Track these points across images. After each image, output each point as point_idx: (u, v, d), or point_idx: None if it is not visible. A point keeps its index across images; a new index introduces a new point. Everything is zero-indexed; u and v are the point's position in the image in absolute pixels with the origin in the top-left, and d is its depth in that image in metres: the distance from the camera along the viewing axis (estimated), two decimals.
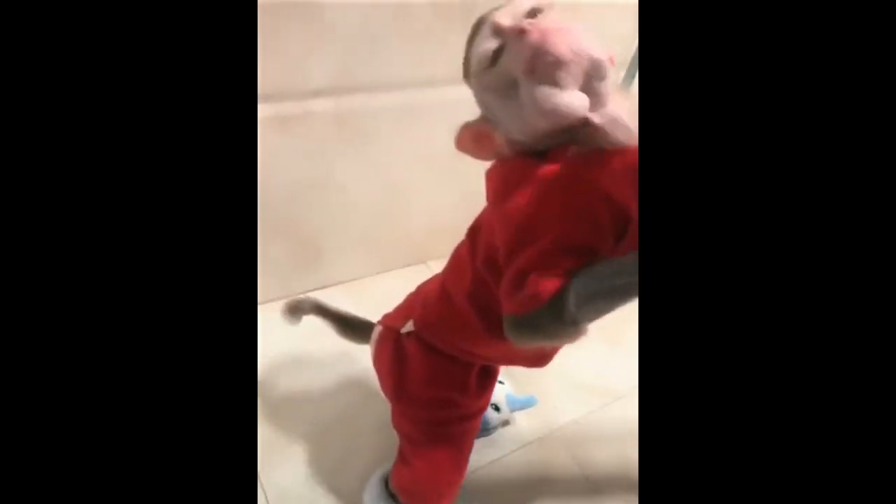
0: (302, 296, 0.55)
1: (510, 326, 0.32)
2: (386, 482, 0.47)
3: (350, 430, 0.58)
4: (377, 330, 0.47)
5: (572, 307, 0.29)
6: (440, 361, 0.42)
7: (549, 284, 0.31)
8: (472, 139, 0.34)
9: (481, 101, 0.34)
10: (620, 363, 0.73)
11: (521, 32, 0.30)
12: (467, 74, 0.34)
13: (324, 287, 0.76)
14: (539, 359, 0.43)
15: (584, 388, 0.70)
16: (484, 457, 0.59)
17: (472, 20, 0.34)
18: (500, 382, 0.62)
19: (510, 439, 0.61)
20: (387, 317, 0.47)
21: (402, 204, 0.74)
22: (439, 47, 0.60)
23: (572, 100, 0.29)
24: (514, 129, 0.33)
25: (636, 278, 0.28)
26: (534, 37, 0.29)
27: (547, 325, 0.31)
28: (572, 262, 0.30)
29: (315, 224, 0.68)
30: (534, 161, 0.33)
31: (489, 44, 0.31)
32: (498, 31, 0.31)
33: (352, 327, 0.53)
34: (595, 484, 0.58)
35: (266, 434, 0.57)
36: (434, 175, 0.73)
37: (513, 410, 0.61)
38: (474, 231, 0.39)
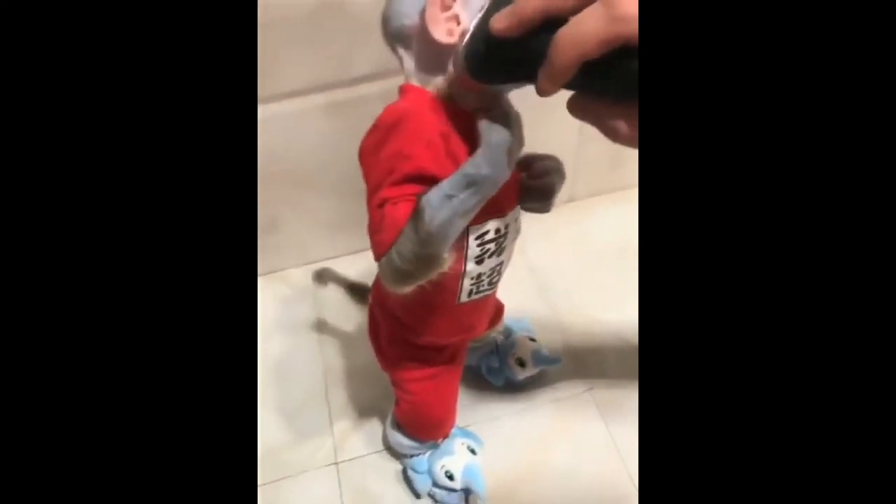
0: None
1: (383, 269, 0.37)
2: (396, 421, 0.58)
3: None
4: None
5: (427, 221, 0.34)
6: (394, 326, 0.50)
7: (402, 209, 0.35)
8: None
9: None
10: None
11: None
12: None
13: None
14: (463, 329, 0.50)
15: (633, 350, 0.68)
16: (510, 406, 0.63)
17: None
18: (532, 340, 0.62)
19: (542, 391, 0.65)
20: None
21: None
22: None
23: None
24: None
25: (482, 174, 0.33)
26: None
27: (411, 249, 0.35)
28: (420, 189, 0.35)
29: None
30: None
31: None
32: None
33: (360, 293, 0.64)
34: (618, 448, 0.59)
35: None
36: None
37: (538, 368, 0.64)
38: None
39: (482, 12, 0.31)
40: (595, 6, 0.25)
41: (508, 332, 0.65)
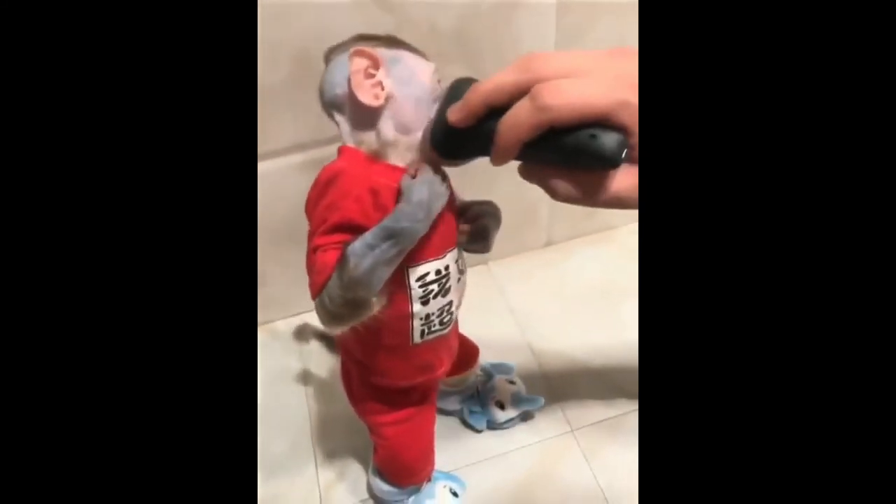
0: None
1: (317, 309, 0.40)
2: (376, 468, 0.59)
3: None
4: None
5: (351, 268, 0.37)
6: (360, 369, 0.52)
7: (330, 256, 0.39)
8: None
9: None
10: None
11: None
12: None
13: None
14: (422, 369, 0.50)
15: (616, 390, 0.70)
16: (492, 447, 0.64)
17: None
18: (512, 383, 0.64)
19: (525, 433, 0.66)
20: None
21: None
22: None
23: None
24: None
25: (399, 227, 0.37)
26: None
27: (338, 293, 0.38)
28: (347, 238, 0.39)
29: None
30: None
31: None
32: None
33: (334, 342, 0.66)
34: (603, 490, 0.59)
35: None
36: None
37: (519, 410, 0.64)
38: None
39: (439, 103, 0.38)
40: (524, 99, 0.32)
41: (488, 376, 0.66)
